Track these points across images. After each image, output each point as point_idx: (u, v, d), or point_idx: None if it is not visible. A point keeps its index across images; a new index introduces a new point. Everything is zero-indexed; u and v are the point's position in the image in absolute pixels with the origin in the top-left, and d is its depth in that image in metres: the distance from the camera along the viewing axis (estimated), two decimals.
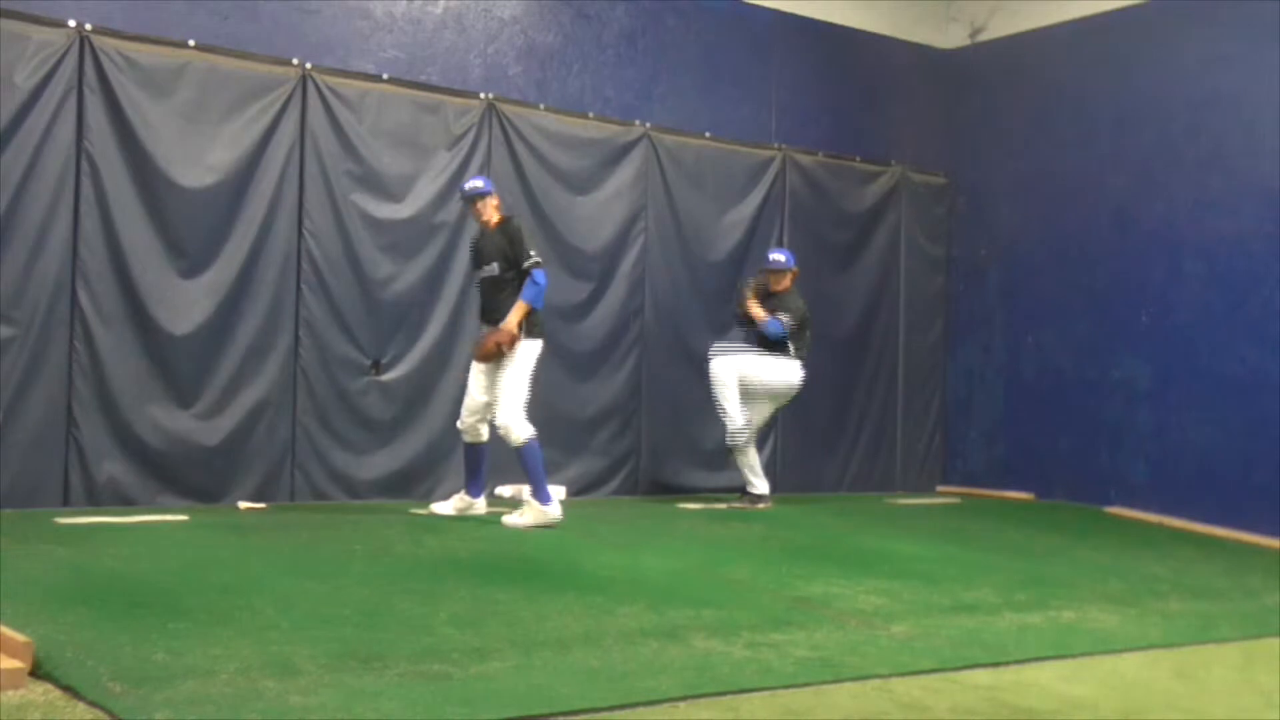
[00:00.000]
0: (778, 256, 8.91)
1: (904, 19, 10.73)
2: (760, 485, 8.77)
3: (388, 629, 4.51)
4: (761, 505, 8.65)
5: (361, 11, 8.16)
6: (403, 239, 8.14)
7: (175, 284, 7.35)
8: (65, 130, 6.99)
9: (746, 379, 8.54)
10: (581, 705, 3.74)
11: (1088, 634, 5.33)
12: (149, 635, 4.16)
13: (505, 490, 8.32)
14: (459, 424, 7.35)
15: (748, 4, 9.81)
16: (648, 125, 9.23)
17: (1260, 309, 8.70)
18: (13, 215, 6.84)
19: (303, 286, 7.78)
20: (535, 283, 7.11)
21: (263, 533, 6.49)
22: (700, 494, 9.20)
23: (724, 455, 9.03)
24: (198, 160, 7.39)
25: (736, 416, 8.53)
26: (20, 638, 3.81)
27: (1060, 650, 4.96)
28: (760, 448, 9.20)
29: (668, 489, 9.22)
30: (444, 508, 7.38)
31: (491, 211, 7.32)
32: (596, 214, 8.98)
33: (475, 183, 7.52)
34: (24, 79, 6.84)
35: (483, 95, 8.51)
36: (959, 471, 10.76)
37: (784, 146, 9.95)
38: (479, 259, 7.39)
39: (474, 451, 7.34)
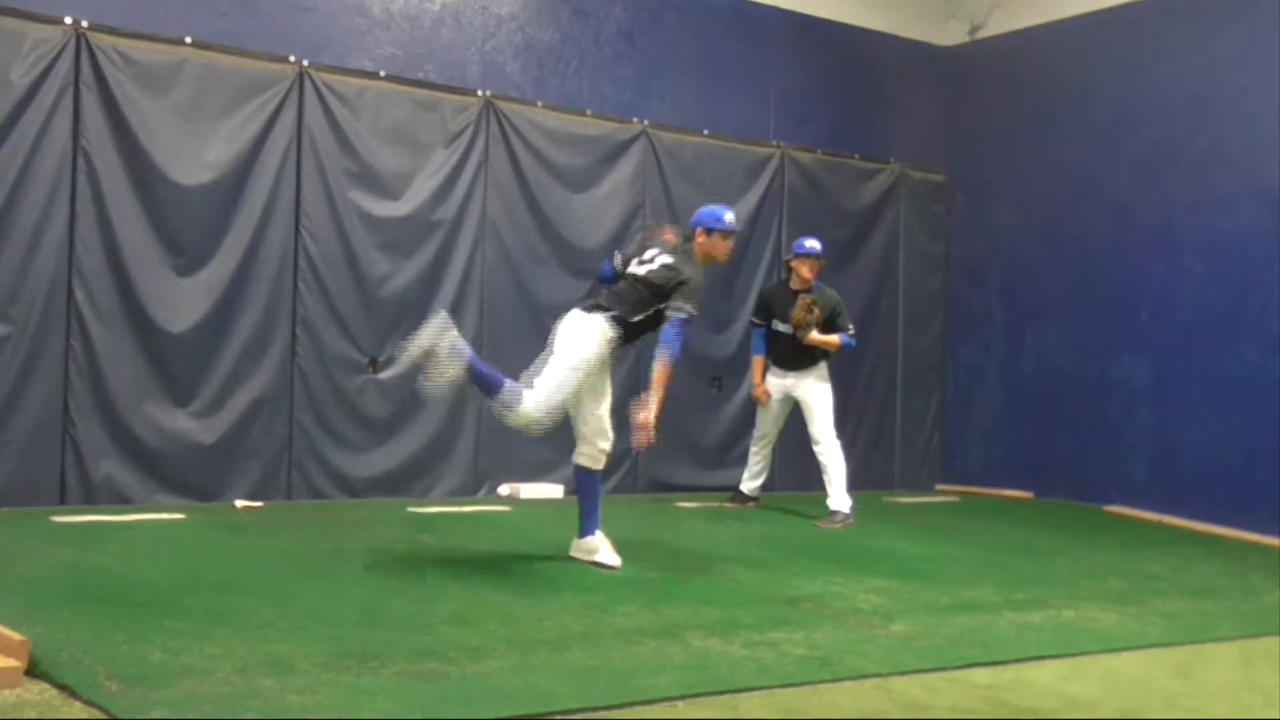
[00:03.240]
0: (814, 243, 8.30)
1: (903, 16, 10.71)
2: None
3: (385, 628, 4.50)
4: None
5: (359, 8, 8.14)
6: (400, 237, 8.12)
7: (172, 282, 7.33)
8: (61, 128, 6.96)
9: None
10: (579, 705, 3.73)
11: (1088, 633, 5.32)
12: (146, 634, 4.15)
13: (504, 489, 8.32)
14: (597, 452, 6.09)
15: (746, 1, 9.79)
16: (646, 122, 9.21)
17: (1260, 308, 8.68)
18: (9, 213, 6.82)
19: (300, 284, 7.76)
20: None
21: (260, 532, 6.48)
22: (699, 493, 9.18)
23: (721, 454, 8.96)
24: (194, 158, 7.37)
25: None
26: (16, 636, 3.80)
27: (1060, 649, 4.95)
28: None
29: (667, 488, 9.20)
30: (611, 558, 6.00)
31: None
32: (594, 211, 8.95)
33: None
34: (20, 76, 6.81)
35: (480, 92, 8.49)
36: (958, 470, 10.74)
37: (782, 144, 9.93)
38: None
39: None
